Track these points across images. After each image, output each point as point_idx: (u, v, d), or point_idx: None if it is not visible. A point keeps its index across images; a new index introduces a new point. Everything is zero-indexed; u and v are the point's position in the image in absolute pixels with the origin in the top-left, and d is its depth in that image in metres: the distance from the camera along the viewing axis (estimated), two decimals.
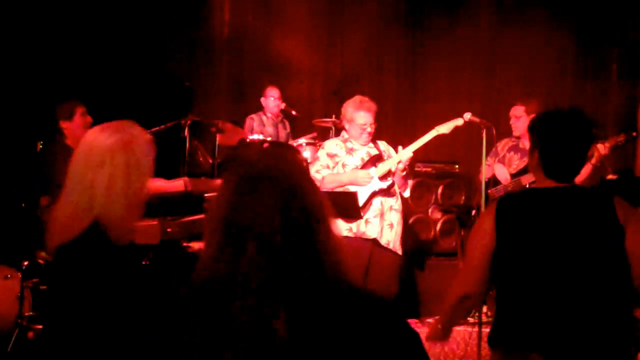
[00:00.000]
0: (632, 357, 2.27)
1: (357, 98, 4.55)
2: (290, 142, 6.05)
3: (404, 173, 4.40)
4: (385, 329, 1.31)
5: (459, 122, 4.49)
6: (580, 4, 7.04)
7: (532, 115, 3.04)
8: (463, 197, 6.04)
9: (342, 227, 4.25)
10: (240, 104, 6.99)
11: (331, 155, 4.50)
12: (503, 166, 5.07)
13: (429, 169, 6.09)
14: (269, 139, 5.38)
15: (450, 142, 4.74)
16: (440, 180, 6.06)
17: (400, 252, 4.48)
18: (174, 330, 1.30)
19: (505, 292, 2.35)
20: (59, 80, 5.74)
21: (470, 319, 4.78)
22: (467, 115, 4.50)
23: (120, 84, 6.21)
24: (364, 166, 4.44)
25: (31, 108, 5.44)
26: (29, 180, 4.64)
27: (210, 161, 5.69)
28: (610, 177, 5.26)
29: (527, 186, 4.61)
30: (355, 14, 7.35)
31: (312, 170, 4.44)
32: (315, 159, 4.66)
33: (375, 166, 4.41)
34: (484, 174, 4.61)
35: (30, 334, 4.23)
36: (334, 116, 5.21)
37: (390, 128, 6.70)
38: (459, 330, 4.49)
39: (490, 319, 4.64)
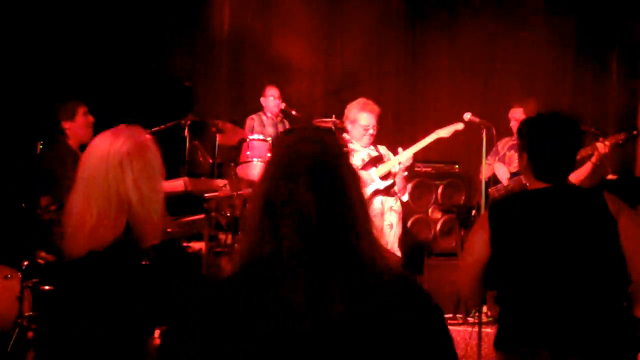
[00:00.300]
0: (636, 342, 2.28)
1: (361, 100, 4.59)
2: None
3: (405, 173, 4.40)
4: (421, 306, 1.37)
5: (459, 126, 4.50)
6: (580, 4, 7.03)
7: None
8: (463, 197, 6.05)
9: None
10: (240, 104, 6.99)
11: None
12: (503, 165, 5.07)
13: (429, 169, 6.10)
14: (268, 139, 5.36)
15: (450, 142, 4.74)
16: (440, 180, 6.07)
17: (399, 253, 4.48)
18: (225, 313, 1.31)
19: (507, 294, 2.37)
20: (58, 80, 5.73)
21: (470, 319, 4.79)
22: (467, 116, 4.51)
23: (121, 84, 6.21)
24: (365, 167, 4.44)
25: (31, 108, 5.44)
26: (29, 180, 4.62)
27: (210, 161, 5.69)
28: (610, 177, 5.26)
29: (528, 185, 4.61)
30: (355, 15, 7.35)
31: None
32: None
33: (376, 167, 4.42)
34: (484, 174, 4.61)
35: (30, 334, 4.22)
36: (334, 116, 5.21)
37: (390, 128, 6.70)
38: (459, 330, 4.50)
39: (490, 319, 4.65)
